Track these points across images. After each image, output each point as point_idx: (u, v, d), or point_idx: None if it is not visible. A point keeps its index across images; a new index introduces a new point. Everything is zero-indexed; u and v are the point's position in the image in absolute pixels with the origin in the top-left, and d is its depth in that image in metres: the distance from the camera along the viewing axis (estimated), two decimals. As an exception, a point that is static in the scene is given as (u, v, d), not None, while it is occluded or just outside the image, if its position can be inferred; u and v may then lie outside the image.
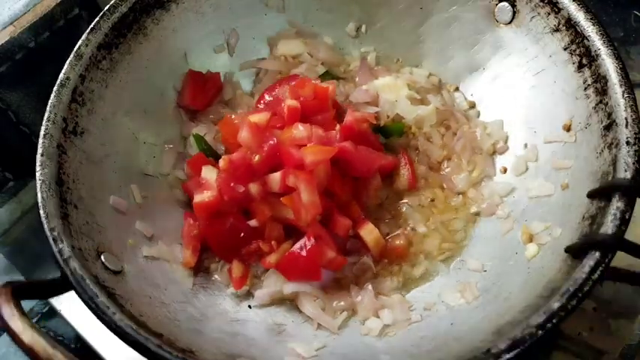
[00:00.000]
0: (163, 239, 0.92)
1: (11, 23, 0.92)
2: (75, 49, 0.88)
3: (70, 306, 0.97)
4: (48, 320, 0.98)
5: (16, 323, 0.60)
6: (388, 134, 0.98)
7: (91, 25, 0.90)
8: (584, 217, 0.77)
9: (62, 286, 0.75)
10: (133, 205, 0.91)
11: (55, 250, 0.75)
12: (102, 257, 0.81)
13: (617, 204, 0.72)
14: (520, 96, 0.95)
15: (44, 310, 0.98)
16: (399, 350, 0.80)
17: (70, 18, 0.98)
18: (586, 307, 0.91)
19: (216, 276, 0.92)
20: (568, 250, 0.75)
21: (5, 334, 0.93)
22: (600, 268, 0.69)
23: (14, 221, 1.06)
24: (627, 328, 0.89)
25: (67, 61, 0.87)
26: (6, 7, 0.93)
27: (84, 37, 0.89)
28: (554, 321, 0.67)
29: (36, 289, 0.71)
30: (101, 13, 0.91)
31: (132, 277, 0.83)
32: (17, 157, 1.03)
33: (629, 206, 0.72)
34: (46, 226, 0.77)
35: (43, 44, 0.97)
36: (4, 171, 1.03)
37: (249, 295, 0.90)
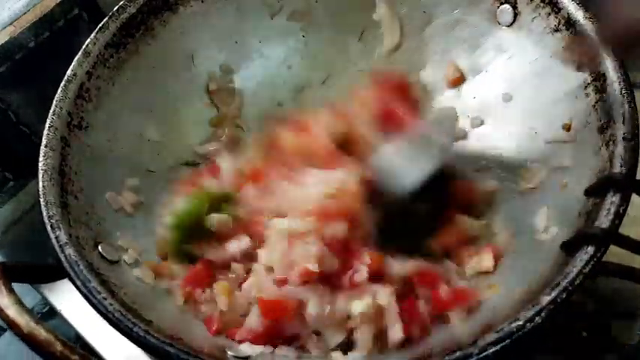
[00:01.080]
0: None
1: (11, 23, 0.95)
2: (83, 47, 0.91)
3: (70, 306, 0.99)
4: (48, 320, 0.99)
5: (2, 299, 0.61)
6: None
7: (100, 25, 0.93)
8: (579, 214, 0.76)
9: (56, 272, 0.76)
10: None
11: (52, 236, 0.77)
12: (99, 247, 0.82)
13: (611, 199, 0.71)
14: (522, 97, 0.95)
15: (44, 310, 1.00)
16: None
17: (70, 18, 1.00)
18: (586, 307, 0.89)
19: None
20: (562, 246, 0.74)
21: (5, 333, 0.96)
22: (592, 262, 0.68)
23: (14, 221, 1.08)
24: (627, 328, 0.87)
25: (75, 58, 0.90)
26: (6, 6, 0.95)
27: (92, 35, 0.92)
28: (543, 314, 0.66)
29: (28, 272, 0.72)
30: (110, 14, 0.94)
31: (129, 267, 0.85)
32: (17, 157, 1.05)
33: (624, 200, 0.71)
34: (44, 213, 0.79)
35: (43, 44, 0.99)
36: (3, 171, 1.04)
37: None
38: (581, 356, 0.86)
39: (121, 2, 0.95)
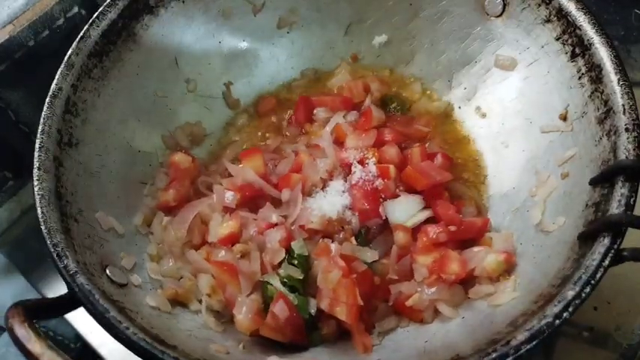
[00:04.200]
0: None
1: (10, 22, 0.92)
2: (65, 58, 0.86)
3: None
4: (48, 320, 0.97)
5: (34, 345, 0.58)
6: None
7: (81, 34, 0.88)
8: (587, 205, 0.78)
9: (72, 302, 0.73)
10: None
11: (61, 266, 0.74)
12: (107, 271, 0.80)
13: (620, 190, 0.73)
14: (514, 87, 0.96)
15: None
16: (409, 347, 0.81)
17: (69, 17, 0.97)
18: (586, 306, 0.91)
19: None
20: (580, 237, 0.75)
21: (5, 333, 0.92)
22: (611, 254, 0.70)
23: (14, 220, 1.06)
24: (627, 329, 0.89)
25: (59, 71, 0.85)
26: (5, 5, 0.92)
27: (74, 46, 0.87)
28: (570, 310, 0.68)
29: (47, 308, 0.69)
30: (90, 21, 0.89)
31: (138, 289, 0.82)
32: (17, 156, 1.02)
33: (633, 191, 0.73)
34: (48, 242, 0.75)
35: (43, 43, 0.96)
36: (3, 170, 1.02)
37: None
38: (581, 356, 0.89)
39: (101, 8, 0.90)
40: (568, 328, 0.91)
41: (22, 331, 0.60)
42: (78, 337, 0.94)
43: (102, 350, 0.94)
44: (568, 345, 0.90)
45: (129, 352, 0.86)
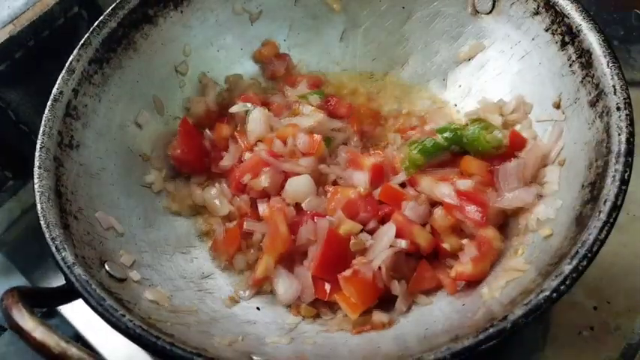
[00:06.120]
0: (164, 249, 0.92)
1: (11, 22, 0.94)
2: (67, 64, 0.89)
3: (70, 305, 0.96)
4: (48, 319, 0.96)
5: (27, 323, 0.59)
6: None
7: (82, 41, 0.91)
8: (583, 186, 0.78)
9: (68, 294, 0.74)
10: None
11: (59, 258, 0.74)
12: (106, 266, 0.80)
13: (614, 166, 0.73)
14: (507, 81, 0.97)
15: (44, 310, 0.97)
16: (410, 334, 0.80)
17: (69, 16, 1.00)
18: (586, 306, 0.90)
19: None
20: (577, 218, 0.75)
21: (5, 333, 0.93)
22: (607, 228, 0.69)
23: (14, 220, 1.07)
24: (627, 328, 0.88)
25: (60, 76, 0.88)
26: (5, 5, 0.95)
27: (75, 52, 0.90)
28: (567, 283, 0.67)
29: (42, 297, 0.69)
30: (91, 29, 0.92)
31: (137, 284, 0.82)
32: (17, 156, 1.03)
33: (627, 166, 0.73)
34: (47, 235, 0.76)
35: (43, 43, 0.98)
36: (3, 170, 1.03)
37: (257, 294, 0.90)
38: (581, 356, 0.87)
39: (101, 17, 0.93)
40: (568, 328, 0.89)
41: (16, 311, 0.60)
42: (78, 337, 0.94)
43: (102, 350, 0.94)
44: (568, 344, 0.88)
45: (129, 351, 0.87)
